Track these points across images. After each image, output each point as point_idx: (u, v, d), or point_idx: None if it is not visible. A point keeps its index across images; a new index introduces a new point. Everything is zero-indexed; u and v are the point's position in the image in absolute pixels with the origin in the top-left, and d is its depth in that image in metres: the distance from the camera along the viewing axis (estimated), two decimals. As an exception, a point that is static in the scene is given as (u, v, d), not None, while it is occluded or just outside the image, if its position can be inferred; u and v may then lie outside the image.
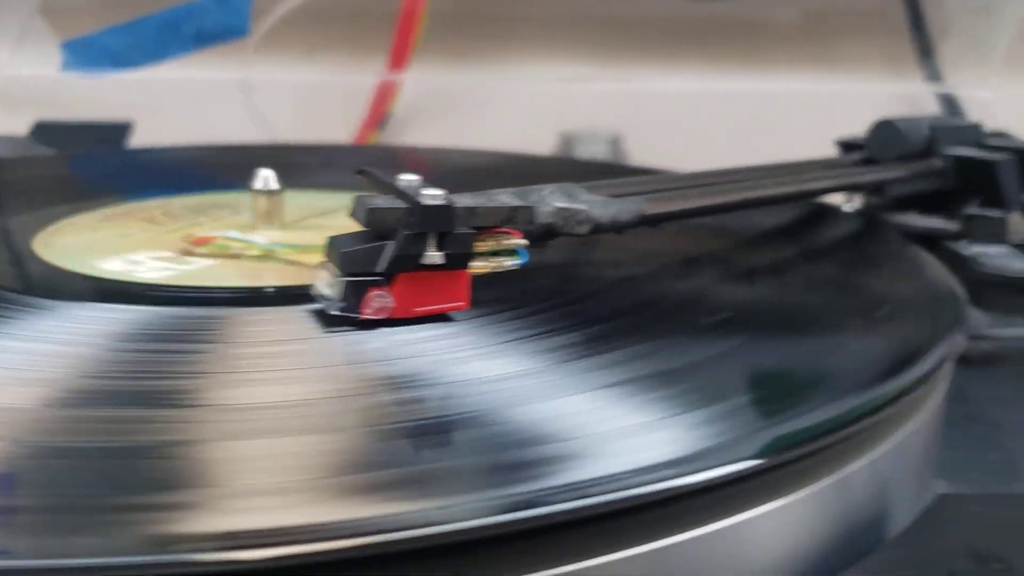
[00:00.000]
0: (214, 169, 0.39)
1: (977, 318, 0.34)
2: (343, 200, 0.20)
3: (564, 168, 0.47)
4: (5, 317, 0.20)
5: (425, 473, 0.15)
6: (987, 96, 0.64)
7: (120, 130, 0.47)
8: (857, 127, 0.37)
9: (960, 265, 0.30)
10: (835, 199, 0.35)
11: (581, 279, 0.24)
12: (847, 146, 0.36)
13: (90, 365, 0.18)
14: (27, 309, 0.21)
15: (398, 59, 0.64)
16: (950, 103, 0.66)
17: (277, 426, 0.16)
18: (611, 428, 0.16)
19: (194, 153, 0.43)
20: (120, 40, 0.50)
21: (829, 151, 0.38)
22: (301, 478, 0.14)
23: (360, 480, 0.14)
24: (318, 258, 0.20)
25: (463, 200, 0.20)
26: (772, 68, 0.68)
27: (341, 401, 0.17)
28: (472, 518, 0.13)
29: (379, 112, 0.66)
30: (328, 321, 0.20)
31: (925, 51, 0.68)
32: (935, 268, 0.27)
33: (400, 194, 0.20)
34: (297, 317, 0.20)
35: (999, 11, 0.63)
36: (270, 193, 0.27)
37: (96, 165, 0.42)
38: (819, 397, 0.17)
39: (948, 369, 0.21)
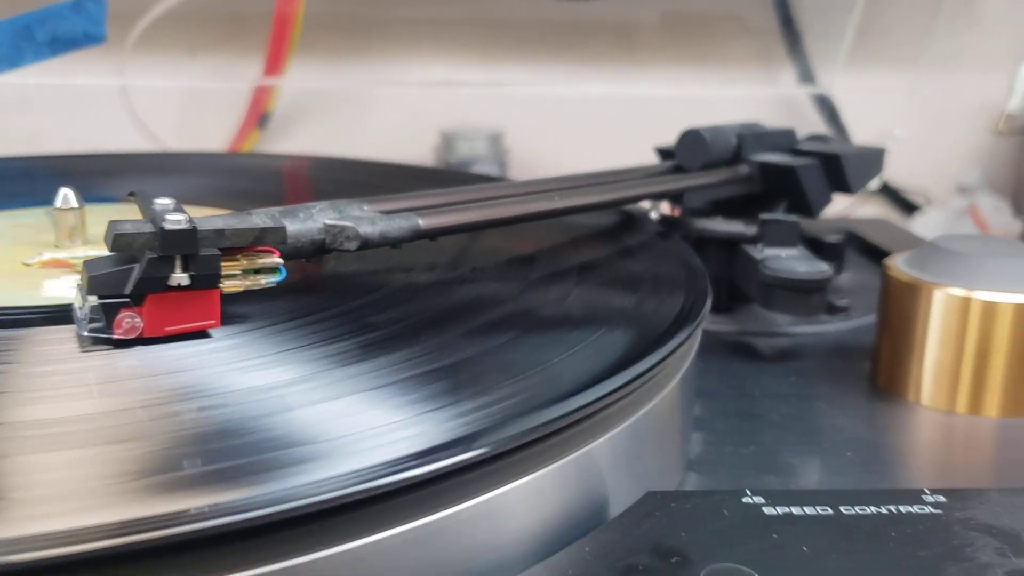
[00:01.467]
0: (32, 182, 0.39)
1: (762, 313, 0.36)
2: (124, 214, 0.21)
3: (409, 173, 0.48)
4: None
5: (169, 482, 0.15)
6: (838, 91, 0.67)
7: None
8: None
9: (752, 268, 0.32)
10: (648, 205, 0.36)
11: (366, 287, 0.25)
12: (664, 153, 0.38)
13: None
14: None
15: (273, 63, 0.64)
16: (823, 102, 0.69)
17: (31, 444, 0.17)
18: (364, 428, 0.17)
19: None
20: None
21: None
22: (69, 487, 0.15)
23: (122, 486, 0.15)
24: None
25: (211, 223, 0.21)
26: (641, 68, 0.70)
27: (94, 418, 0.18)
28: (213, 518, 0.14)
29: (255, 116, 0.67)
30: (84, 342, 0.21)
31: (796, 52, 0.70)
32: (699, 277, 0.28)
33: (152, 218, 0.21)
34: (61, 337, 0.21)
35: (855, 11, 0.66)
36: (72, 210, 0.28)
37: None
38: (545, 393, 0.19)
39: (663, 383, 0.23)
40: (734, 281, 0.35)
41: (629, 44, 0.70)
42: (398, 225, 0.24)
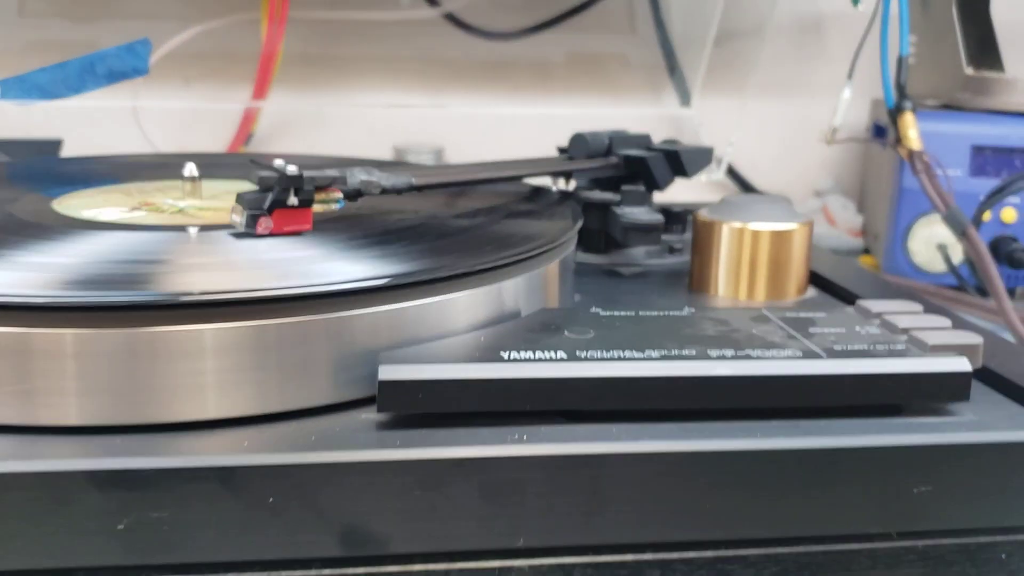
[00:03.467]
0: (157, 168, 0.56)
1: (628, 253, 0.54)
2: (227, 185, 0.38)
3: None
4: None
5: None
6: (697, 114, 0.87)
7: (54, 145, 0.64)
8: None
9: (616, 220, 0.50)
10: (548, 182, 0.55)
11: (373, 222, 0.43)
12: (561, 150, 0.56)
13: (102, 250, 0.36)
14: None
15: (259, 90, 0.81)
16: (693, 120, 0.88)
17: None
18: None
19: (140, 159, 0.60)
20: (48, 77, 0.66)
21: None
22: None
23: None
24: (215, 215, 0.38)
25: (308, 173, 0.38)
26: (552, 95, 0.88)
27: (256, 261, 0.35)
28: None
29: (245, 132, 0.84)
30: (239, 235, 0.38)
31: (676, 81, 0.90)
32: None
33: (274, 169, 0.38)
34: (223, 236, 0.38)
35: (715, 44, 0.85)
36: (193, 179, 0.45)
37: (73, 165, 0.58)
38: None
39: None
40: (607, 232, 0.53)
41: (543, 76, 0.89)
42: (402, 180, 0.42)
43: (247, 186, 0.39)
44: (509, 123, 0.89)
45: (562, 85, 0.89)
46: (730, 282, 0.47)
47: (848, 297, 0.48)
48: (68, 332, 0.30)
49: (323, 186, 0.39)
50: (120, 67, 0.66)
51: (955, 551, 0.33)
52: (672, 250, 0.55)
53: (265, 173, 0.38)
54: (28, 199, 0.45)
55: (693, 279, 0.49)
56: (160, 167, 0.55)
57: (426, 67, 0.87)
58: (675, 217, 0.58)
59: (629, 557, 0.31)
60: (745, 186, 0.93)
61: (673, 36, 0.90)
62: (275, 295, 0.32)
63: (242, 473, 0.29)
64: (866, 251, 0.90)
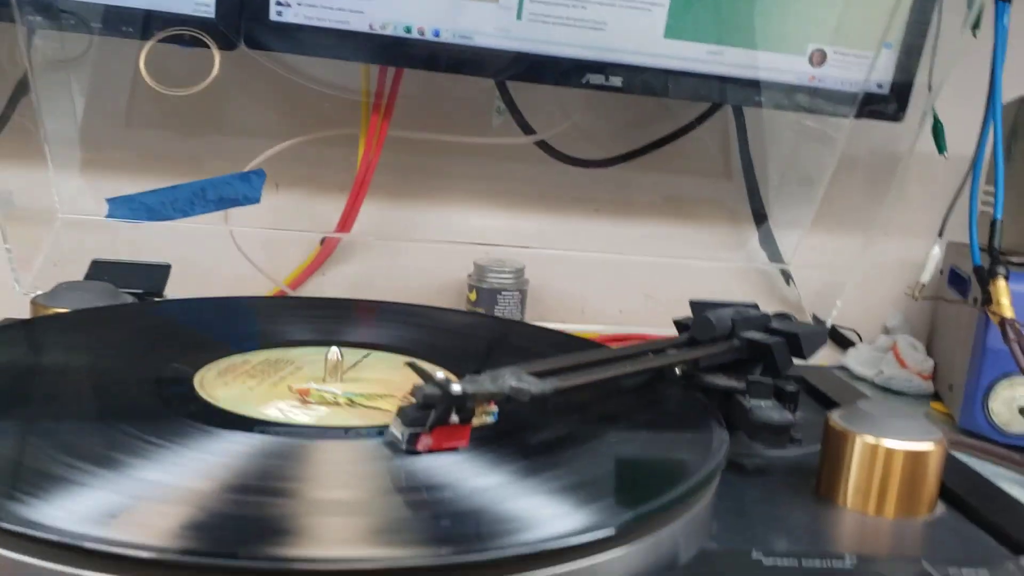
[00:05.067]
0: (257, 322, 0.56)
1: (753, 446, 0.54)
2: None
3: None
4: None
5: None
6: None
7: (163, 270, 0.64)
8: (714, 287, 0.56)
9: (743, 413, 0.49)
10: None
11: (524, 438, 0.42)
12: (680, 325, 0.56)
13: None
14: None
15: (345, 222, 0.81)
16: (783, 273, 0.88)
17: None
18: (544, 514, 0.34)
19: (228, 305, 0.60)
20: (158, 199, 0.66)
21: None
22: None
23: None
24: (381, 402, 0.38)
25: (468, 387, 0.38)
26: (638, 232, 0.89)
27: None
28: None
29: (321, 260, 0.83)
30: (400, 451, 0.38)
31: (762, 233, 0.90)
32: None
33: (437, 384, 0.38)
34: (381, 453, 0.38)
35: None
36: (336, 361, 0.45)
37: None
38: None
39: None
40: (728, 418, 0.52)
41: (627, 207, 0.89)
42: (548, 386, 0.42)
43: (386, 362, 0.38)
44: (592, 265, 0.89)
45: (647, 219, 0.89)
46: (859, 495, 0.47)
47: (977, 516, 0.47)
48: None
49: (482, 400, 0.39)
50: (231, 194, 0.67)
51: None
52: (792, 440, 0.55)
53: (430, 390, 0.37)
54: (169, 370, 0.45)
55: (821, 484, 0.49)
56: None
57: (514, 188, 0.88)
58: (789, 397, 0.57)
59: None
60: (835, 334, 0.93)
61: (765, 182, 0.90)
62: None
63: None
64: (936, 396, 0.89)
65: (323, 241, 0.83)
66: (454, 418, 0.37)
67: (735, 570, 0.35)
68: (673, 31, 0.79)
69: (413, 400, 0.38)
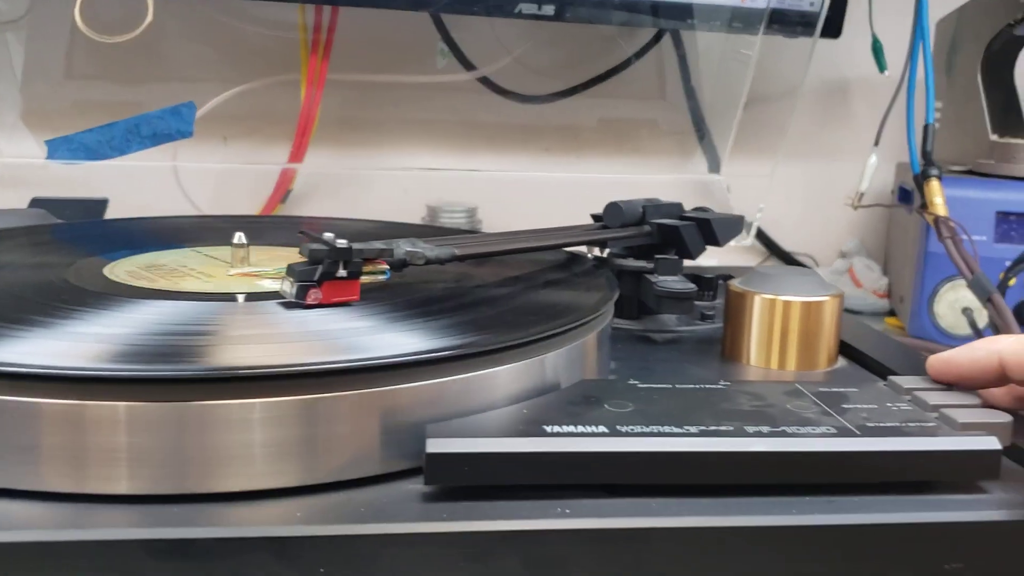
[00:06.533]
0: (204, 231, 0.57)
1: (660, 319, 0.55)
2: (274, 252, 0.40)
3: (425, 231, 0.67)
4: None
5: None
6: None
7: (100, 205, 0.66)
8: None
9: (650, 288, 0.51)
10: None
11: (418, 291, 0.44)
12: (595, 217, 0.57)
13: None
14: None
15: (297, 151, 0.83)
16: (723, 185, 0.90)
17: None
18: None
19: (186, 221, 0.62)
20: (95, 138, 0.68)
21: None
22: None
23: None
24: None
25: (357, 245, 0.40)
26: (583, 158, 0.90)
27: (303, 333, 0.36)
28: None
29: (281, 192, 0.85)
30: (289, 305, 0.39)
31: (705, 146, 0.91)
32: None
33: (324, 242, 0.39)
34: (272, 306, 0.40)
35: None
36: (242, 246, 0.47)
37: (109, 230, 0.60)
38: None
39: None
40: (640, 299, 0.54)
41: (575, 140, 0.91)
42: (446, 251, 0.43)
43: (292, 253, 0.40)
44: (539, 186, 0.90)
45: (592, 149, 0.91)
46: (762, 352, 0.48)
47: (877, 368, 0.49)
48: (120, 405, 0.32)
49: (371, 258, 0.40)
50: (165, 129, 0.68)
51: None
52: (704, 316, 0.56)
53: (316, 246, 0.39)
54: (82, 264, 0.47)
55: (725, 348, 0.50)
56: (207, 230, 0.57)
57: (461, 129, 0.89)
58: (706, 283, 0.59)
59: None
60: (773, 249, 0.94)
61: (703, 103, 0.91)
62: (323, 369, 0.33)
63: (295, 544, 0.30)
64: (892, 312, 0.90)
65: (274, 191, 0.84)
66: (342, 272, 0.39)
67: (610, 392, 0.37)
68: (602, -43, 0.80)
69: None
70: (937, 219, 0.78)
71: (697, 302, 0.56)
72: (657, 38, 0.90)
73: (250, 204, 0.85)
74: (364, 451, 0.34)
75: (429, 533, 0.31)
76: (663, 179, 0.90)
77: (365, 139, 0.88)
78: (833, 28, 0.87)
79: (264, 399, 0.32)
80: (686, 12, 0.83)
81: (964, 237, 0.78)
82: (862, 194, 0.87)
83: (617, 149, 0.91)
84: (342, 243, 0.39)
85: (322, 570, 0.30)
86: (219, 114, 0.80)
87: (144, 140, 0.69)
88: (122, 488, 0.32)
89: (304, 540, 0.30)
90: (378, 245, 0.41)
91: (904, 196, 0.91)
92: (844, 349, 0.51)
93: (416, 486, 0.33)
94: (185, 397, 0.32)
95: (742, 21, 0.85)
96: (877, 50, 0.88)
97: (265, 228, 0.57)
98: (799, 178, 0.97)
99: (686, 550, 0.32)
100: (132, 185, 0.78)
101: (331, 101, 0.83)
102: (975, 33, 0.87)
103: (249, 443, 0.32)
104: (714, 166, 0.92)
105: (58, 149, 0.69)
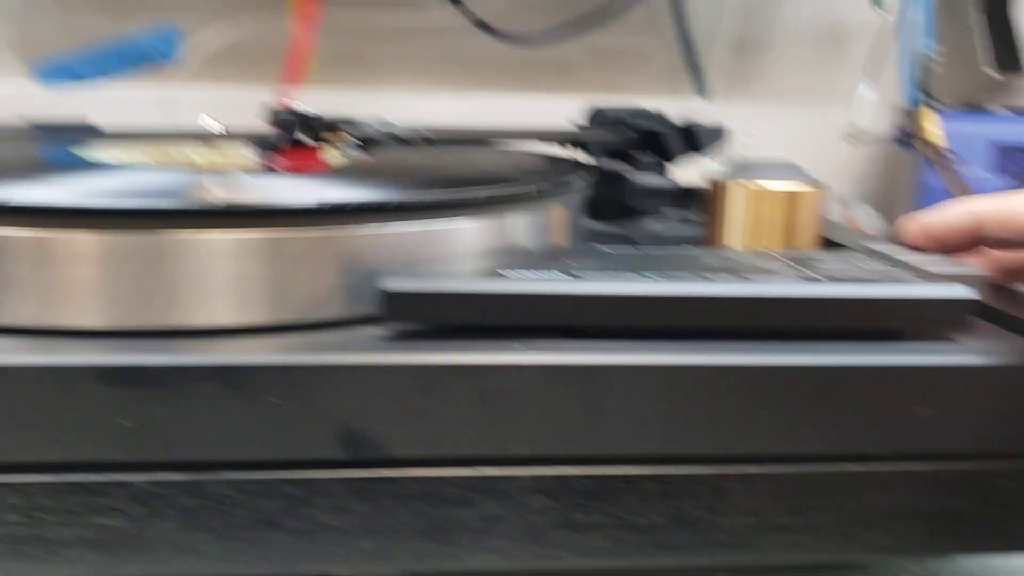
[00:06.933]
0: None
1: (642, 224, 0.55)
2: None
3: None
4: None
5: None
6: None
7: (87, 129, 0.65)
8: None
9: (630, 186, 0.50)
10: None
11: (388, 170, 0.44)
12: (580, 126, 0.57)
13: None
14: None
15: (291, 80, 0.82)
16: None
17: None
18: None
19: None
20: (79, 62, 0.68)
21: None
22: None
23: None
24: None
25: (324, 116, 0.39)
26: (573, 93, 0.89)
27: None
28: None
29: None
30: (256, 174, 0.39)
31: (696, 83, 0.91)
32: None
33: (291, 112, 0.39)
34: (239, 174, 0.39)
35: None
36: (212, 136, 0.46)
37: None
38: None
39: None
40: (622, 201, 0.53)
41: (565, 75, 0.90)
42: (416, 134, 0.43)
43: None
44: (529, 113, 0.90)
45: (584, 85, 0.90)
46: (742, 243, 0.48)
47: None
48: (89, 236, 0.31)
49: (333, 127, 0.40)
50: (150, 52, 0.68)
51: (953, 476, 0.33)
52: (687, 220, 0.56)
53: (282, 113, 0.39)
54: (55, 151, 0.46)
55: (705, 241, 0.50)
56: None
57: (446, 66, 0.89)
58: (690, 194, 0.58)
59: (627, 470, 0.32)
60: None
61: (694, 38, 0.91)
62: (291, 208, 0.33)
63: (245, 372, 0.30)
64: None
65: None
66: (307, 140, 0.39)
67: (576, 254, 0.37)
68: None
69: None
70: (932, 147, 0.77)
71: (680, 208, 0.56)
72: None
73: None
74: (324, 292, 0.33)
75: (382, 365, 0.30)
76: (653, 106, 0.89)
77: (357, 79, 0.87)
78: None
79: (230, 233, 0.32)
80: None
81: (961, 168, 0.78)
82: (855, 126, 0.87)
83: (609, 84, 0.90)
84: (307, 110, 0.39)
85: (272, 399, 0.30)
86: (209, 51, 0.80)
87: (128, 64, 0.69)
88: (85, 322, 0.32)
89: (255, 369, 0.30)
90: (346, 118, 0.40)
91: (903, 139, 0.90)
92: (829, 247, 0.51)
93: (375, 330, 0.33)
94: (153, 228, 0.31)
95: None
96: (873, -10, 0.87)
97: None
98: (796, 123, 0.96)
99: (643, 388, 0.31)
100: (119, 115, 0.78)
101: (322, 41, 0.82)
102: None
103: (213, 277, 0.32)
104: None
105: (43, 73, 0.69)
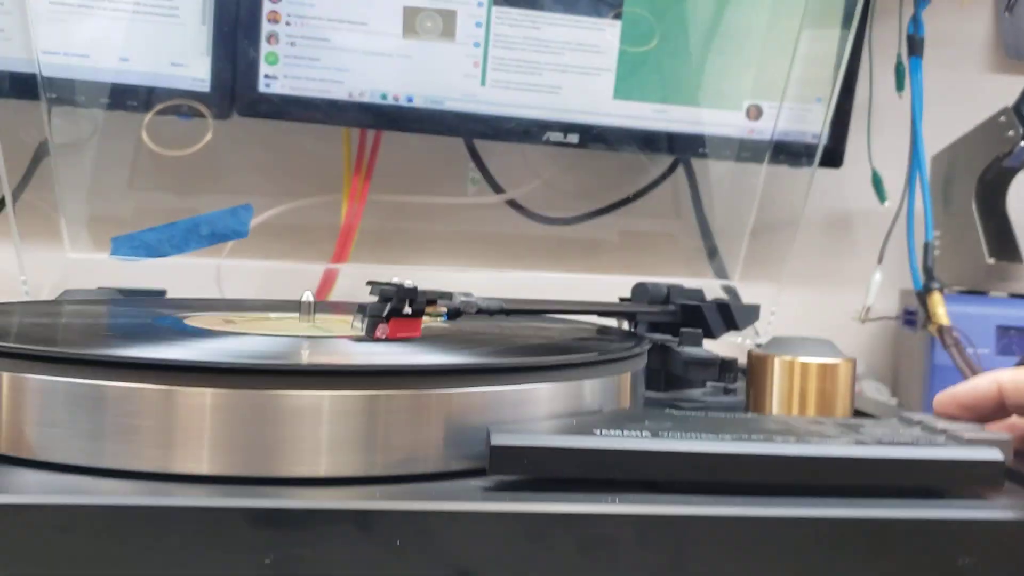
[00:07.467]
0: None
1: (688, 392, 0.60)
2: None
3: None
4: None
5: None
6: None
7: (160, 294, 0.71)
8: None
9: (677, 357, 0.55)
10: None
11: (473, 337, 0.49)
12: (623, 300, 0.62)
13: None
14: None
15: (339, 257, 0.88)
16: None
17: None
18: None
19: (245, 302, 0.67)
20: (156, 236, 0.74)
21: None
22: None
23: None
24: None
25: (421, 288, 0.45)
26: (602, 270, 0.96)
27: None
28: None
29: (324, 294, 0.91)
30: (358, 341, 0.44)
31: (715, 265, 0.97)
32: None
33: (393, 285, 0.44)
34: (343, 341, 0.44)
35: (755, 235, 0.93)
36: (309, 304, 0.52)
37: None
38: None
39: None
40: (668, 370, 0.58)
41: (595, 257, 0.97)
42: (495, 304, 0.48)
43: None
44: (561, 289, 0.95)
45: (612, 264, 0.96)
46: (782, 408, 0.52)
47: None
48: (207, 391, 0.36)
49: (432, 301, 0.45)
50: (222, 229, 0.74)
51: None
52: (727, 390, 0.60)
53: (386, 287, 0.44)
54: (163, 319, 0.51)
55: (748, 409, 0.54)
56: (262, 309, 0.62)
57: (490, 244, 0.95)
58: (729, 365, 0.63)
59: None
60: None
61: (714, 227, 0.98)
62: (385, 368, 0.37)
63: (376, 517, 0.34)
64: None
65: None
66: (406, 311, 0.44)
67: (649, 415, 0.41)
68: (621, 92, 0.88)
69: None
70: (941, 328, 0.83)
71: (720, 382, 0.60)
72: (673, 166, 0.97)
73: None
74: (423, 448, 0.37)
75: (494, 512, 0.34)
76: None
77: (398, 258, 0.94)
78: (834, 159, 0.95)
79: (332, 391, 0.36)
80: (698, 142, 0.91)
81: (968, 348, 0.83)
82: (868, 308, 0.93)
83: (634, 264, 0.97)
84: (409, 283, 0.44)
85: (398, 542, 0.34)
86: (265, 230, 0.86)
87: (202, 239, 0.75)
88: (202, 469, 0.36)
89: (383, 514, 0.34)
90: (439, 291, 0.46)
91: (910, 320, 0.96)
92: (858, 416, 0.55)
93: (476, 482, 0.37)
94: (264, 386, 0.36)
95: (749, 151, 0.92)
96: (877, 183, 0.95)
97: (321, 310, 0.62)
98: (804, 304, 1.02)
99: (719, 538, 0.35)
100: (180, 283, 0.83)
101: (369, 218, 0.89)
102: (968, 166, 0.94)
103: (317, 434, 0.36)
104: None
105: (122, 246, 0.75)
